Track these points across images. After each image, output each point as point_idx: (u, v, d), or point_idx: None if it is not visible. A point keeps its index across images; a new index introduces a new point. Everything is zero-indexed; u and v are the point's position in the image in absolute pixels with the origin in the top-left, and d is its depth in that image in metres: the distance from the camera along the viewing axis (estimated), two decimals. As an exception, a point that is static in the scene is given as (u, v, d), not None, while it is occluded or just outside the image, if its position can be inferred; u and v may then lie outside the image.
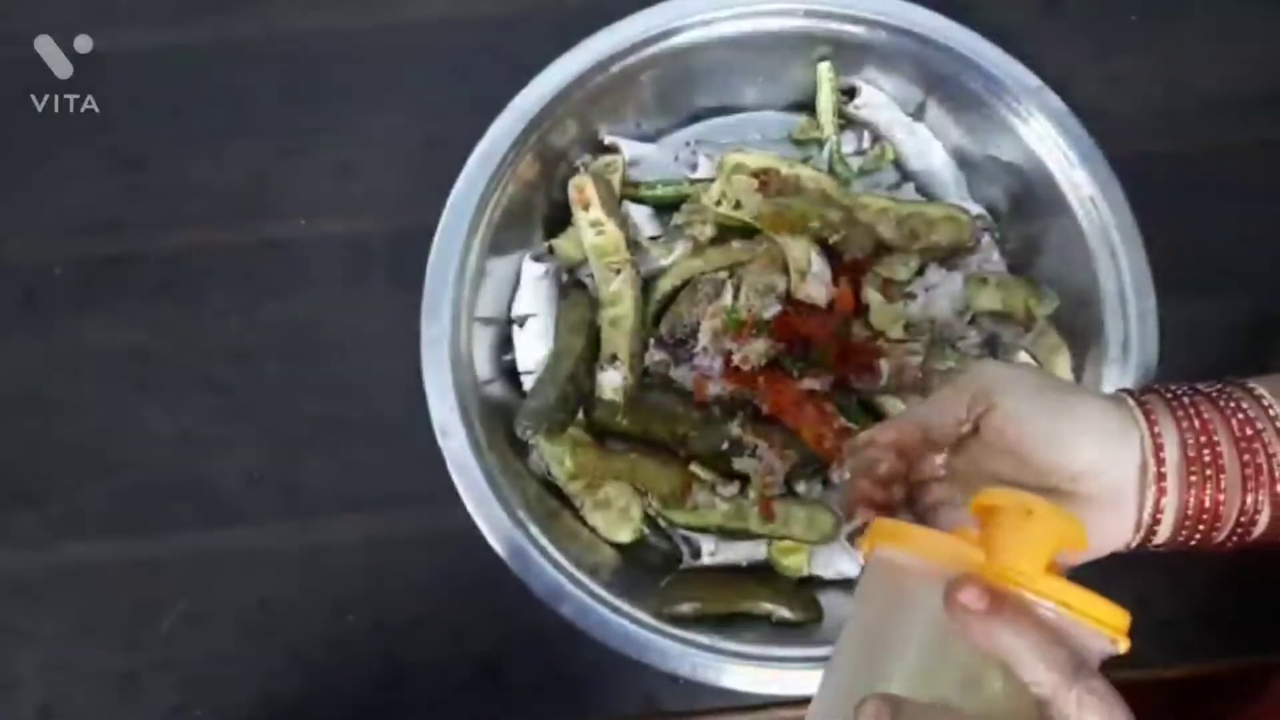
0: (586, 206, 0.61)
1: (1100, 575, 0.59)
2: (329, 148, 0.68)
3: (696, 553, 0.60)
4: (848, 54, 0.63)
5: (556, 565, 0.55)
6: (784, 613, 0.57)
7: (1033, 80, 0.60)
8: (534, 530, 0.56)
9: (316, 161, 0.68)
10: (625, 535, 0.59)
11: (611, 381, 0.59)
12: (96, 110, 0.69)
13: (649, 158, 0.65)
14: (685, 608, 0.56)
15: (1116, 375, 0.56)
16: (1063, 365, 0.59)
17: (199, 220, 0.67)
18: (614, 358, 0.59)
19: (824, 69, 0.64)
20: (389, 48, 0.70)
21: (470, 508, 0.56)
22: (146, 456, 0.63)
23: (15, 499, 0.63)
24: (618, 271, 0.61)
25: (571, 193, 0.62)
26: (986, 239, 0.63)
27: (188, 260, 0.66)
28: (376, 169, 0.68)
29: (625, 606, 0.55)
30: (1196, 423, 0.41)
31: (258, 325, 0.65)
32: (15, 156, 0.69)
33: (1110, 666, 0.58)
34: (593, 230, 0.61)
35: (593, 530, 0.59)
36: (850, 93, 0.65)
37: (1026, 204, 0.63)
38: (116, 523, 0.62)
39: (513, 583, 0.60)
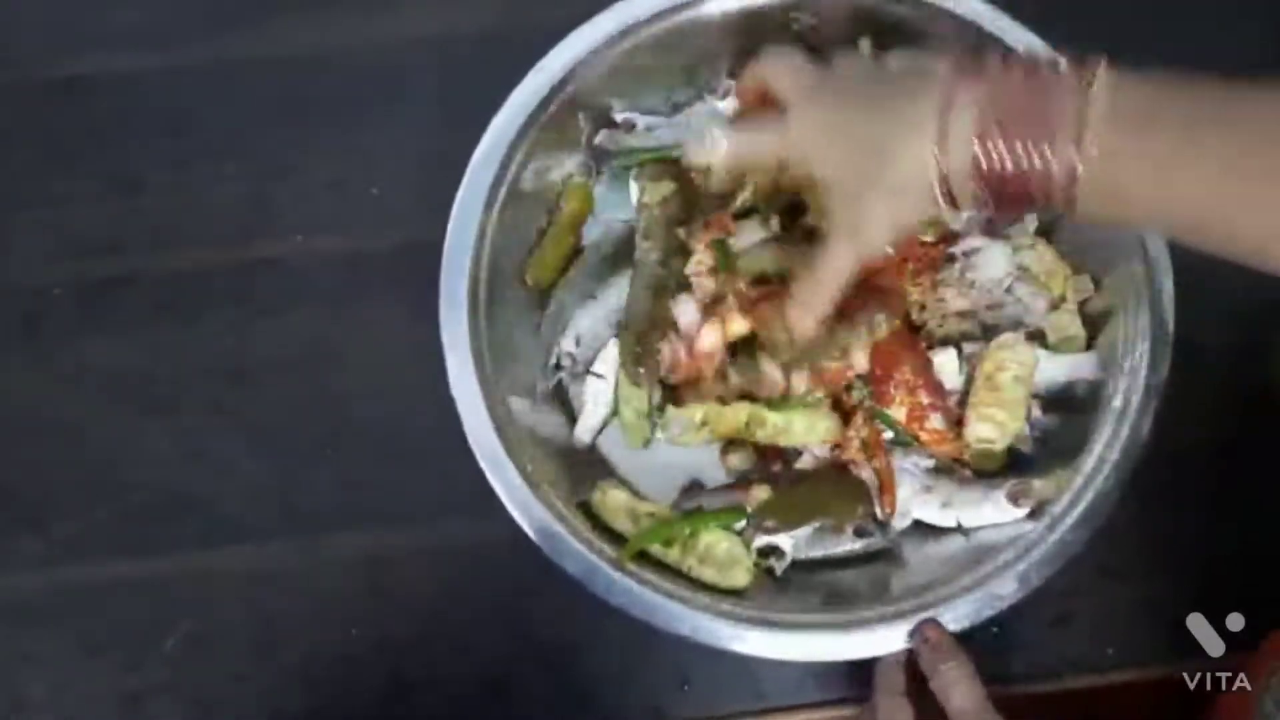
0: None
1: (1101, 574, 0.60)
2: (325, 165, 0.69)
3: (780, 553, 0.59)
4: (885, 32, 0.63)
5: (589, 544, 0.54)
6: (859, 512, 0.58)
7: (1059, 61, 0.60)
8: (562, 509, 0.55)
9: (313, 179, 0.68)
10: (743, 578, 0.57)
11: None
12: (92, 132, 0.69)
13: (663, 129, 0.65)
14: (772, 524, 0.57)
15: (1129, 365, 0.57)
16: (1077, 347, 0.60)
17: (197, 240, 0.67)
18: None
19: (864, 46, 0.63)
20: (383, 64, 0.70)
21: (499, 491, 0.55)
22: (148, 477, 0.63)
23: (18, 521, 0.63)
24: None
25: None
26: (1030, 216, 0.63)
27: (187, 280, 0.66)
28: (373, 185, 0.68)
29: (654, 579, 0.54)
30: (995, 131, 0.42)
31: (257, 344, 0.65)
32: (13, 179, 0.69)
33: (1123, 666, 0.59)
34: None
35: (710, 586, 0.56)
36: None
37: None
38: (120, 543, 0.62)
39: (517, 596, 0.60)
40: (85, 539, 0.62)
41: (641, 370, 0.58)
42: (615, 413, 0.60)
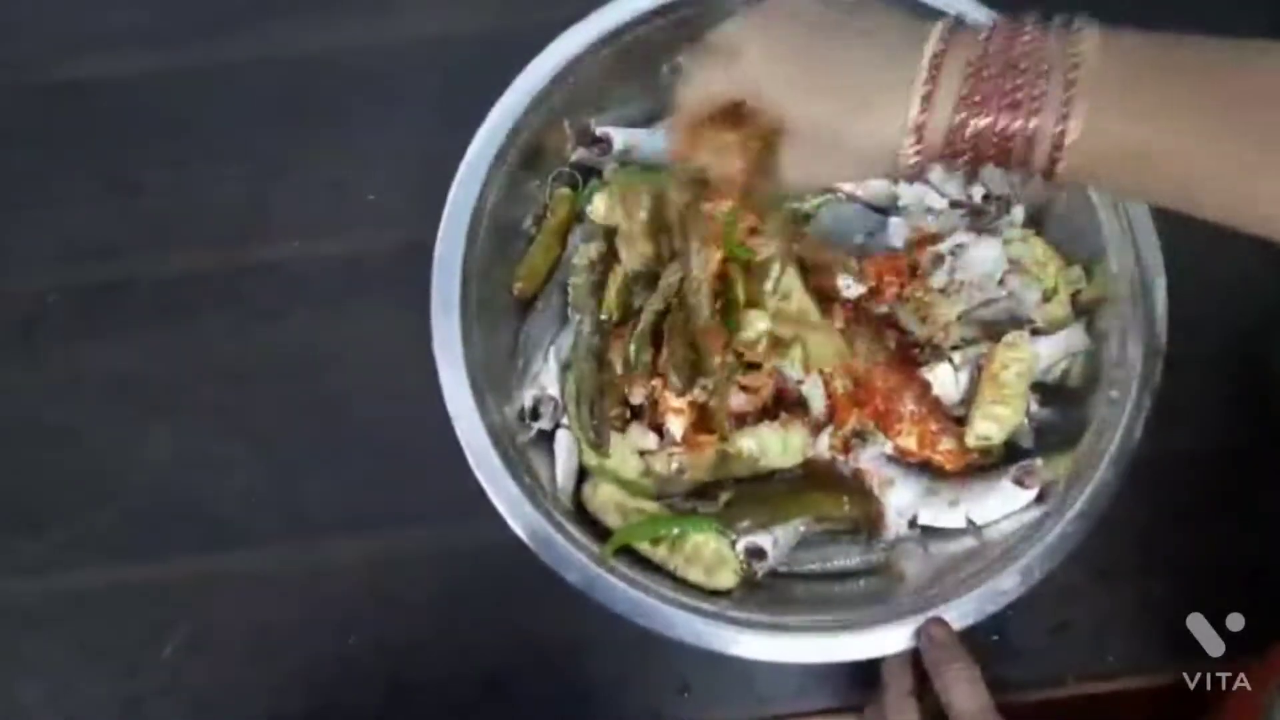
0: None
1: (1101, 579, 0.60)
2: (323, 167, 0.68)
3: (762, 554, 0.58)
4: None
5: (583, 549, 0.54)
6: (845, 509, 0.58)
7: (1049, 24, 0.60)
8: (558, 516, 0.55)
9: (311, 181, 0.68)
10: (729, 579, 0.56)
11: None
12: (90, 134, 0.69)
13: (641, 144, 0.65)
14: (746, 524, 0.56)
15: (1122, 353, 0.57)
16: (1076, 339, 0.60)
17: (195, 243, 0.67)
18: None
19: None
20: (382, 66, 0.70)
21: (494, 500, 0.54)
22: (146, 481, 0.63)
23: (17, 526, 0.63)
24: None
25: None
26: (1019, 208, 0.63)
27: (184, 284, 0.66)
28: (371, 187, 0.68)
29: (654, 585, 0.54)
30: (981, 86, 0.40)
31: (255, 347, 0.65)
32: (11, 181, 0.69)
33: (1123, 672, 0.59)
34: None
35: (695, 585, 0.56)
36: None
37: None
38: (118, 548, 0.62)
39: (518, 599, 0.60)
40: (83, 543, 0.62)
41: (602, 442, 0.58)
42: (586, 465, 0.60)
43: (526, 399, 0.60)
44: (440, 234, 0.58)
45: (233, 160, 0.69)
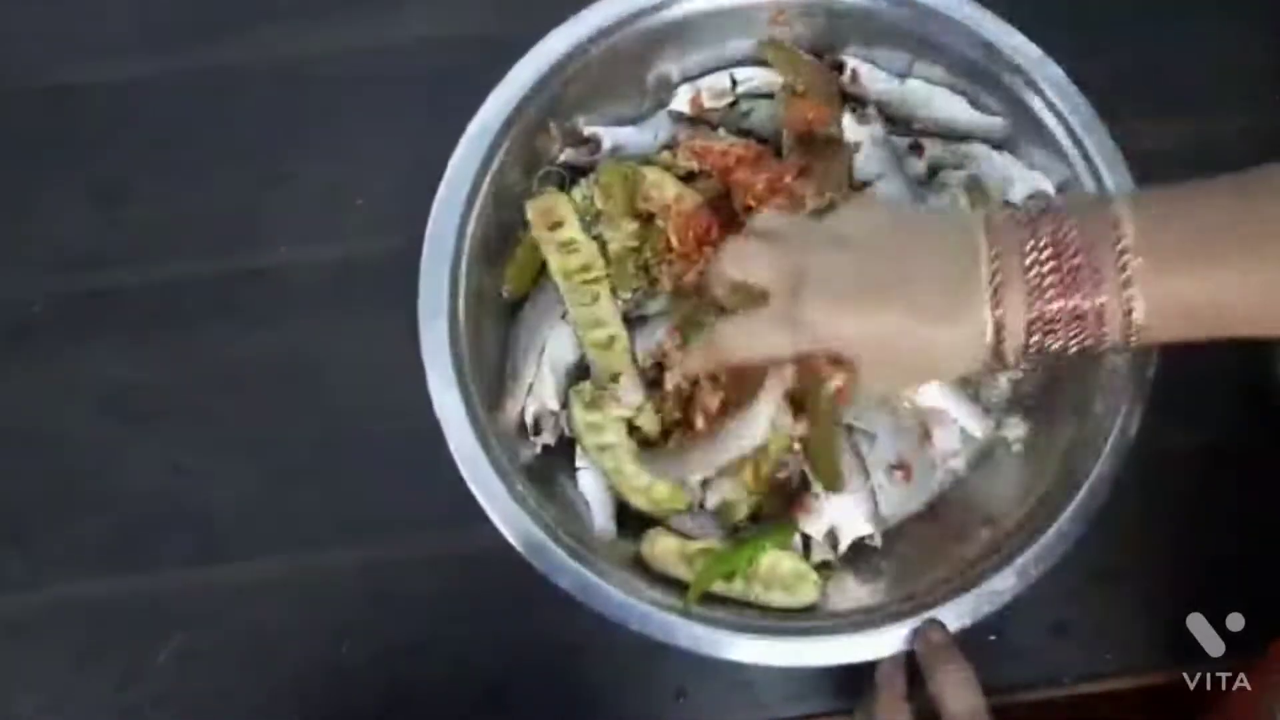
0: (557, 226, 0.61)
1: (1099, 580, 0.59)
2: (314, 173, 0.68)
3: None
4: (836, 23, 0.64)
5: (579, 558, 0.54)
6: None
7: (1034, 51, 0.60)
8: (550, 522, 0.55)
9: (302, 187, 0.68)
10: (811, 592, 0.56)
11: (633, 400, 0.59)
12: (80, 139, 0.69)
13: (630, 142, 0.65)
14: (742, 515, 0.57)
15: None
16: None
17: (185, 250, 0.67)
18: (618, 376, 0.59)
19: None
20: (372, 71, 0.70)
21: (485, 506, 0.54)
22: (139, 490, 0.63)
23: (9, 537, 0.62)
24: (595, 294, 0.61)
25: (532, 216, 0.61)
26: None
27: (175, 291, 0.66)
28: (363, 192, 0.68)
29: (651, 593, 0.54)
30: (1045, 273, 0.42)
31: (248, 354, 0.65)
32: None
33: (1122, 672, 0.59)
34: (563, 251, 0.61)
35: (782, 609, 0.56)
36: (838, 68, 0.65)
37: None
38: (111, 558, 0.62)
39: (514, 605, 0.59)
40: (76, 553, 0.62)
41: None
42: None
43: (527, 415, 0.60)
44: (427, 238, 0.58)
45: (223, 165, 0.69)
